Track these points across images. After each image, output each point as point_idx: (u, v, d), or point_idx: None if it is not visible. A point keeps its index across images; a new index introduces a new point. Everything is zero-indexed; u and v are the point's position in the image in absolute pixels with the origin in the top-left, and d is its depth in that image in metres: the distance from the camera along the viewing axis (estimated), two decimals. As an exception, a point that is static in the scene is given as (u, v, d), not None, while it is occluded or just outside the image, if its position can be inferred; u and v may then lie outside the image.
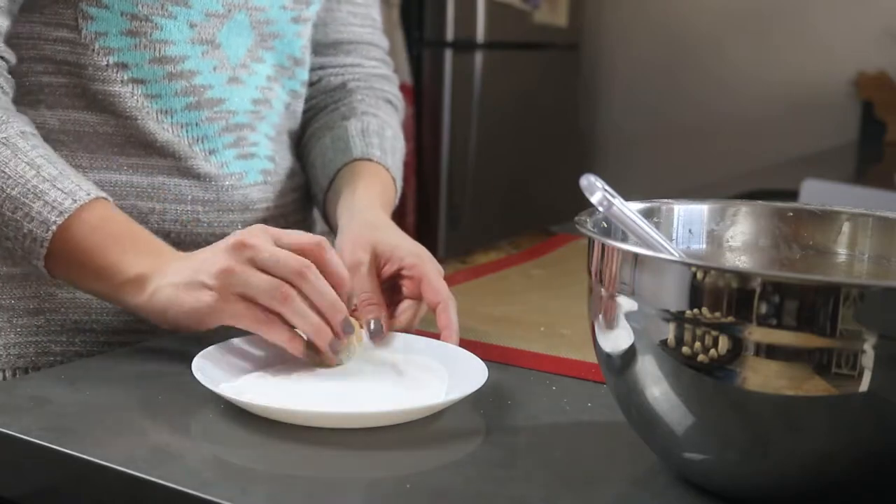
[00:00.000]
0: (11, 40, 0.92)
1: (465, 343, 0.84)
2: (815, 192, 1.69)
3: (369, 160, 1.04)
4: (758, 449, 0.55)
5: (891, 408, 0.52)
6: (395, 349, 0.81)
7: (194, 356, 0.75)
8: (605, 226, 0.67)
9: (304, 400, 0.72)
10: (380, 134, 1.08)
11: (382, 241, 0.89)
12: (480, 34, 3.18)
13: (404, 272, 0.88)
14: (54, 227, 0.82)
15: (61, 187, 0.83)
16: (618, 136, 3.73)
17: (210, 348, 0.77)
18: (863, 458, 0.55)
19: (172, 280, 0.80)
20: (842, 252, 0.72)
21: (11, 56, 0.91)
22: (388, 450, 0.67)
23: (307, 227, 1.12)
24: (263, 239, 0.79)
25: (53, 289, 0.95)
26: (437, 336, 0.84)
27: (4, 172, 0.83)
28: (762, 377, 0.53)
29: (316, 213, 1.14)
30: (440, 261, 1.02)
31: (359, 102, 1.11)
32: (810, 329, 0.52)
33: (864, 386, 0.52)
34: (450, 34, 3.13)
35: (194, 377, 0.71)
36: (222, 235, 0.97)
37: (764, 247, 0.72)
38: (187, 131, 0.97)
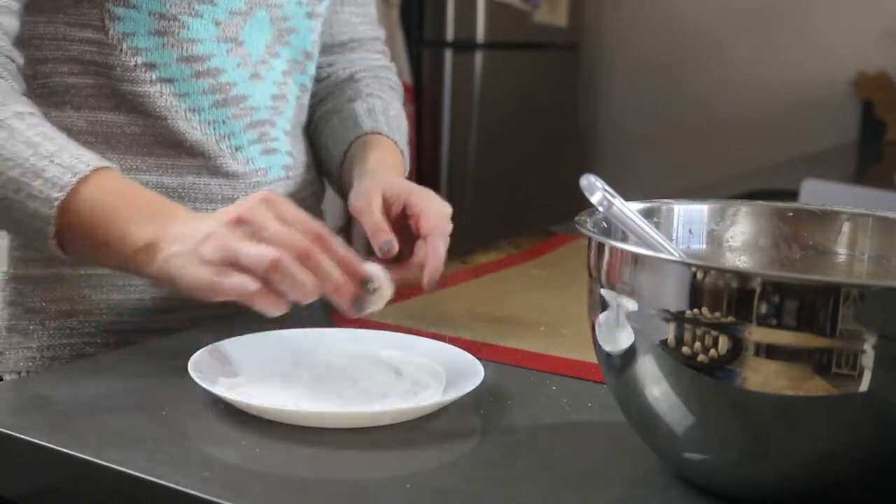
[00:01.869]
0: (34, 41, 0.93)
1: (465, 343, 0.84)
2: (815, 192, 1.70)
3: (378, 134, 1.08)
4: (758, 449, 0.55)
5: (891, 408, 0.52)
6: (394, 349, 0.81)
7: (192, 356, 0.75)
8: (605, 226, 0.67)
9: (302, 400, 0.72)
10: (385, 113, 1.11)
11: (391, 184, 0.93)
12: (480, 34, 3.18)
13: (408, 210, 0.90)
14: (57, 204, 0.80)
15: (60, 162, 0.81)
16: (618, 136, 3.73)
17: (207, 348, 0.77)
18: (863, 458, 0.55)
19: (176, 250, 0.78)
20: (842, 252, 0.72)
21: (19, 56, 0.90)
22: (387, 450, 0.67)
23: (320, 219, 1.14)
24: (263, 214, 0.77)
25: (87, 291, 0.96)
26: (436, 336, 0.85)
27: (2, 155, 0.81)
28: (762, 377, 0.53)
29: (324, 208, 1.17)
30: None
31: (364, 87, 1.15)
32: (810, 329, 0.52)
33: (864, 386, 0.52)
34: (450, 34, 3.13)
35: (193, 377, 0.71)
36: None
37: (764, 247, 0.72)
38: (215, 129, 0.98)
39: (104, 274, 0.96)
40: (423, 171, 3.18)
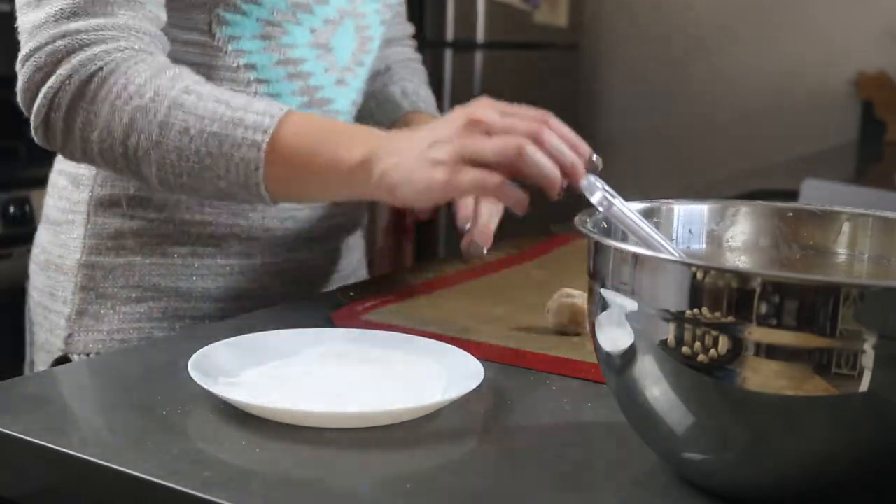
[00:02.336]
0: None
1: (465, 343, 0.84)
2: (815, 192, 1.70)
3: (419, 112, 1.16)
4: (758, 449, 0.55)
5: (891, 408, 0.52)
6: (394, 349, 0.81)
7: (192, 356, 0.75)
8: (605, 226, 0.67)
9: (302, 400, 0.72)
10: (416, 93, 1.20)
11: None
12: (480, 34, 3.18)
13: None
14: (265, 146, 0.85)
15: (255, 110, 0.86)
16: (617, 136, 3.73)
17: (207, 348, 0.77)
18: (863, 459, 0.55)
19: (400, 160, 0.82)
20: (842, 252, 0.72)
21: (167, 44, 0.95)
22: (387, 450, 0.67)
23: (360, 219, 1.20)
24: (489, 113, 0.80)
25: (156, 279, 1.02)
26: (436, 336, 0.85)
27: (197, 114, 0.86)
28: (762, 377, 0.53)
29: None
30: (440, 261, 1.02)
31: (395, 73, 1.22)
32: (810, 329, 0.52)
33: (864, 386, 0.52)
34: (450, 34, 3.13)
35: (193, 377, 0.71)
36: (310, 229, 1.09)
37: (764, 247, 0.72)
38: None
39: (173, 263, 1.01)
40: (423, 171, 3.18)
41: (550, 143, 0.79)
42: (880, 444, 0.54)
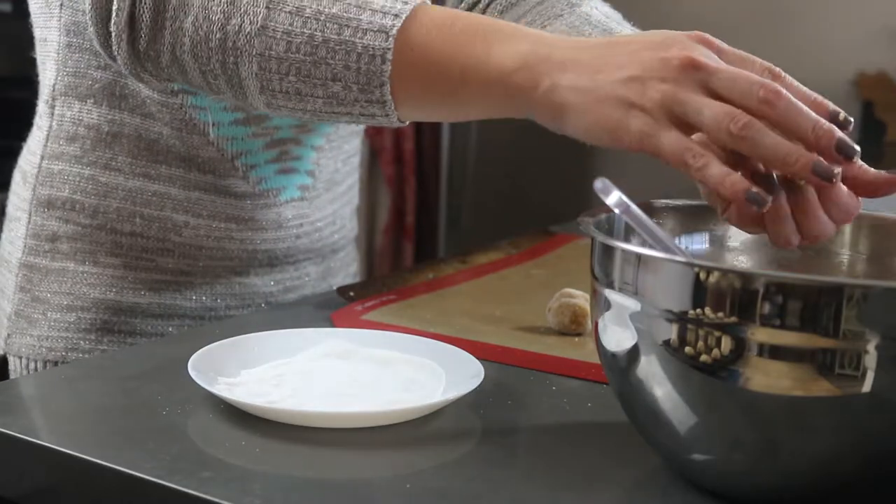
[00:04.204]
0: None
1: (465, 343, 0.84)
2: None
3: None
4: (761, 449, 0.55)
5: (895, 408, 0.52)
6: (394, 349, 0.81)
7: (192, 356, 0.75)
8: (608, 226, 0.67)
9: (302, 400, 0.72)
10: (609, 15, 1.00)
11: None
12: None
13: None
14: (395, 32, 0.68)
15: None
16: (617, 136, 3.72)
17: (207, 348, 0.77)
18: (868, 459, 0.54)
19: (579, 81, 0.64)
20: (841, 252, 0.72)
21: None
22: (387, 450, 0.67)
23: (343, 242, 1.12)
24: (715, 58, 0.62)
25: (86, 288, 0.96)
26: (436, 336, 0.85)
27: None
28: (765, 378, 0.53)
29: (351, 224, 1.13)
30: (440, 261, 1.02)
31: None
32: (813, 330, 0.51)
33: (868, 387, 0.52)
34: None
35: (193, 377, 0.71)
36: (254, 252, 1.00)
37: (763, 247, 0.72)
38: (232, 145, 0.96)
39: (104, 274, 0.96)
40: (424, 171, 3.18)
41: (787, 109, 0.60)
42: (885, 445, 0.54)
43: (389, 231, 3.17)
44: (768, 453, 0.55)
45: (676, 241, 0.70)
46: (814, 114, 0.60)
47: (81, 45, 0.93)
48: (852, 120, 0.63)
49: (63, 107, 0.96)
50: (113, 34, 0.77)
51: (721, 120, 0.60)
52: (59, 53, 0.95)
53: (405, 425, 0.69)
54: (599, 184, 0.61)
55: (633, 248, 0.58)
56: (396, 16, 0.69)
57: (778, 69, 0.64)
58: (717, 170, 0.60)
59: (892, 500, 0.56)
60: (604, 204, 0.63)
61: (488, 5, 1.02)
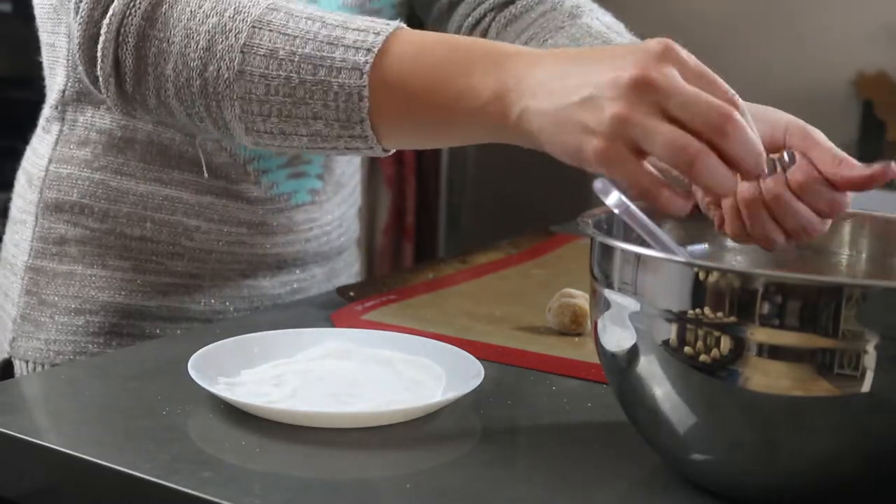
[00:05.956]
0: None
1: (465, 343, 0.84)
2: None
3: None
4: (760, 449, 0.55)
5: (894, 408, 0.52)
6: (394, 349, 0.81)
7: (192, 356, 0.75)
8: (607, 226, 0.67)
9: (302, 399, 0.72)
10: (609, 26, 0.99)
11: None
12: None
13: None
14: (368, 69, 0.68)
15: (356, 27, 0.70)
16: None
17: (207, 348, 0.77)
18: (867, 459, 0.55)
19: (542, 105, 0.63)
20: (841, 252, 0.72)
21: None
22: (387, 450, 0.67)
23: (348, 244, 1.12)
24: (669, 76, 0.59)
25: (95, 292, 0.96)
26: (436, 336, 0.85)
27: (287, 34, 0.70)
28: (765, 378, 0.53)
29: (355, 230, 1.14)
30: (440, 261, 1.02)
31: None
32: (813, 330, 0.52)
33: (867, 387, 0.52)
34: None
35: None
36: (264, 256, 1.00)
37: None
38: (244, 150, 0.96)
39: (113, 277, 0.96)
40: (423, 171, 3.18)
41: (737, 140, 0.58)
42: (884, 445, 0.54)
43: (389, 231, 3.17)
44: (768, 453, 0.55)
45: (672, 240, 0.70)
46: (759, 149, 0.59)
47: None
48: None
49: (75, 111, 0.96)
50: (100, 78, 0.77)
51: (672, 151, 0.58)
52: (69, 60, 0.95)
53: (405, 425, 0.69)
54: (599, 184, 0.61)
55: (633, 248, 0.58)
56: (369, 50, 0.68)
57: (737, 98, 0.61)
58: (671, 199, 0.60)
59: (891, 500, 0.56)
60: (603, 204, 0.63)
61: (492, 20, 1.03)
